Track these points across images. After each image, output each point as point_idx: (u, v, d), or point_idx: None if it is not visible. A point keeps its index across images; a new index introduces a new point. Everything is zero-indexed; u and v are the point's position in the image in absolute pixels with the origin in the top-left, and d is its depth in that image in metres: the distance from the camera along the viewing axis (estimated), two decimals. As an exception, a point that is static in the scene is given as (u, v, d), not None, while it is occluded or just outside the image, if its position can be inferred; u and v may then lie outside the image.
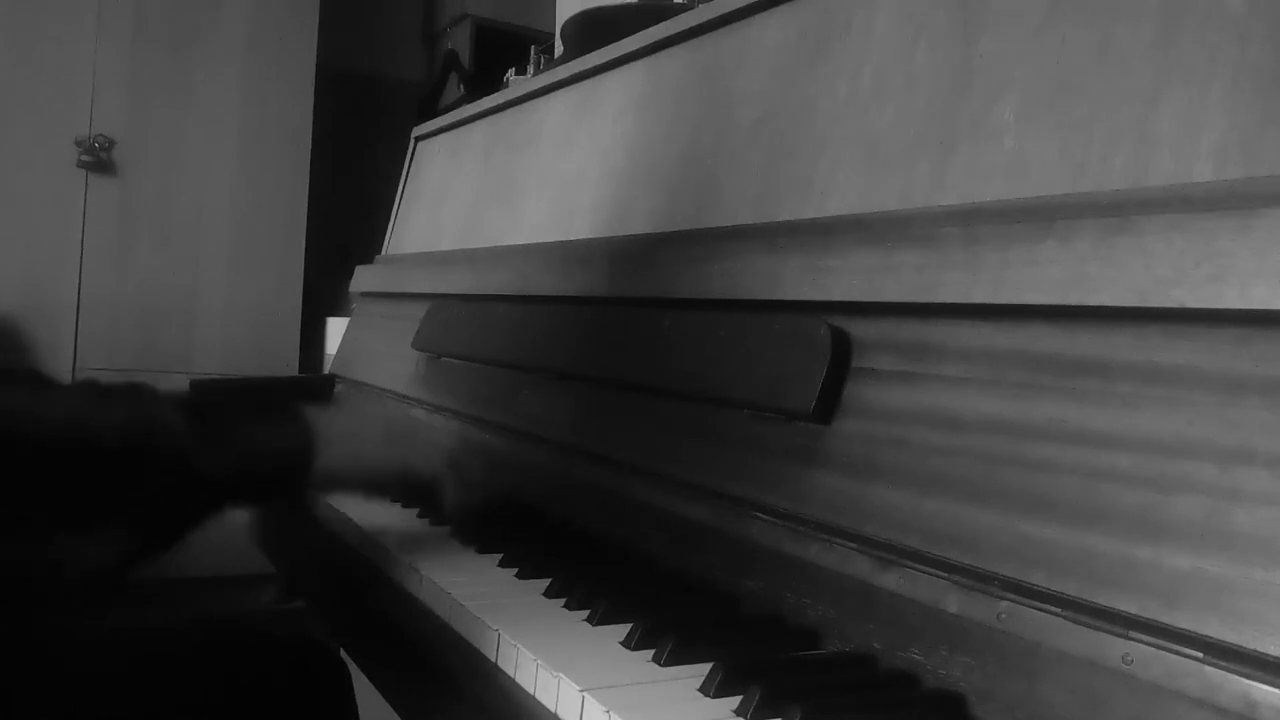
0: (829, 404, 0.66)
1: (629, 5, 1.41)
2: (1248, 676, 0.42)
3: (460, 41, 3.43)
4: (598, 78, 1.16)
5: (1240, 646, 0.43)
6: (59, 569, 0.59)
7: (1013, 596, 0.52)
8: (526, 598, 0.69)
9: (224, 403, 0.72)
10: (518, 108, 1.36)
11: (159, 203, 2.86)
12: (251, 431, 0.70)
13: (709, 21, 0.95)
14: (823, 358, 0.66)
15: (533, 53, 2.01)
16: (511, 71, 2.07)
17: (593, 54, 1.16)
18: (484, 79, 2.83)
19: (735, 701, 0.51)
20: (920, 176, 0.68)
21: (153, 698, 0.83)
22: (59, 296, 2.73)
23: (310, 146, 3.03)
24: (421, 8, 3.73)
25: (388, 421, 0.82)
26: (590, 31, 1.35)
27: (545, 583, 0.70)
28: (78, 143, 2.73)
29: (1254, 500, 0.44)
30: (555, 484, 0.94)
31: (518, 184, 1.30)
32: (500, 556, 0.77)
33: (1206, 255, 0.47)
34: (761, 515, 0.69)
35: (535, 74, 1.79)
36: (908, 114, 0.71)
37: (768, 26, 0.88)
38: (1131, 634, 0.47)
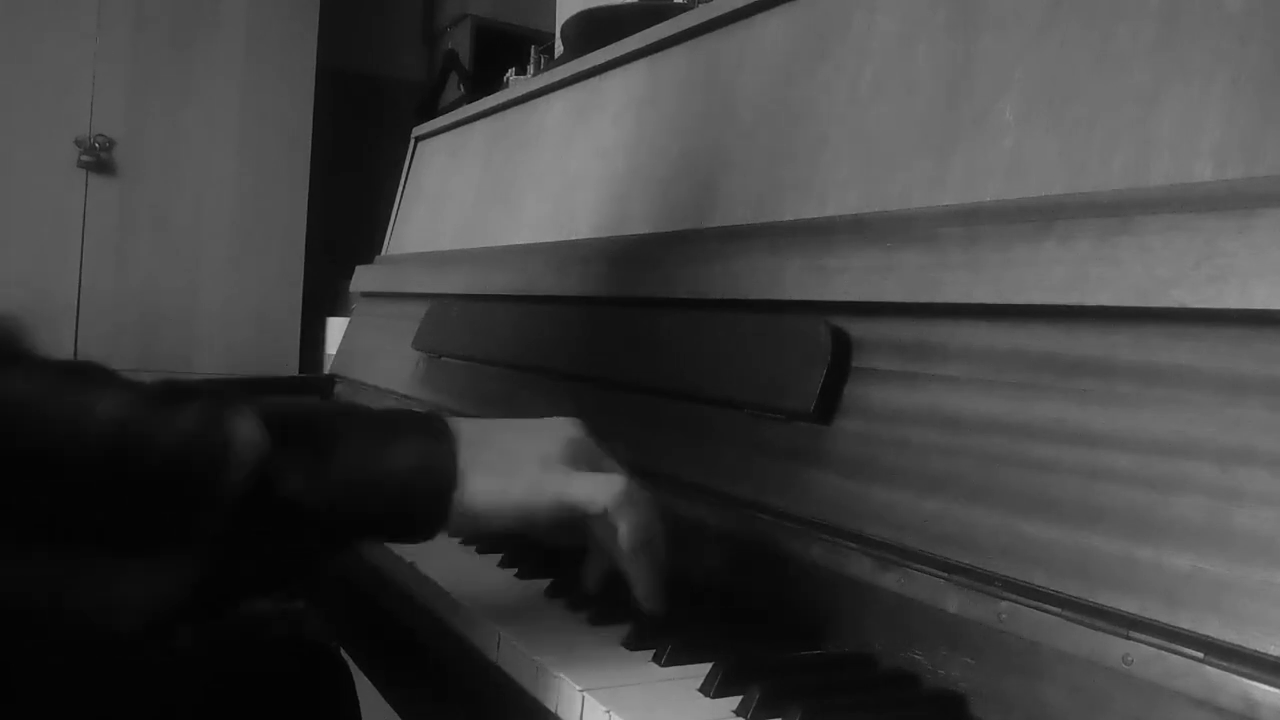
0: (829, 404, 0.66)
1: (629, 5, 1.41)
2: (1248, 676, 0.42)
3: (460, 41, 3.43)
4: (598, 78, 1.16)
5: (1240, 646, 0.42)
6: (98, 610, 0.48)
7: (1013, 596, 0.52)
8: (527, 597, 0.69)
9: (317, 414, 0.55)
10: (518, 108, 1.36)
11: (159, 203, 2.86)
12: (366, 453, 0.53)
13: (709, 21, 0.95)
14: (823, 358, 0.66)
15: (533, 53, 2.01)
16: (511, 71, 2.07)
17: (593, 54, 1.16)
18: (484, 79, 2.83)
19: (735, 701, 0.51)
20: (920, 176, 0.68)
21: (152, 697, 0.83)
22: (59, 296, 2.73)
23: (310, 146, 3.03)
24: (421, 8, 3.74)
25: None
26: (590, 31, 1.35)
27: (545, 583, 0.70)
28: (78, 143, 2.74)
29: (1254, 500, 0.44)
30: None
31: (518, 184, 1.30)
32: (500, 556, 0.77)
33: (1206, 255, 0.47)
34: (761, 515, 0.69)
35: (535, 74, 1.79)
36: (908, 114, 0.70)
37: (768, 26, 0.88)
38: (1132, 634, 0.46)
